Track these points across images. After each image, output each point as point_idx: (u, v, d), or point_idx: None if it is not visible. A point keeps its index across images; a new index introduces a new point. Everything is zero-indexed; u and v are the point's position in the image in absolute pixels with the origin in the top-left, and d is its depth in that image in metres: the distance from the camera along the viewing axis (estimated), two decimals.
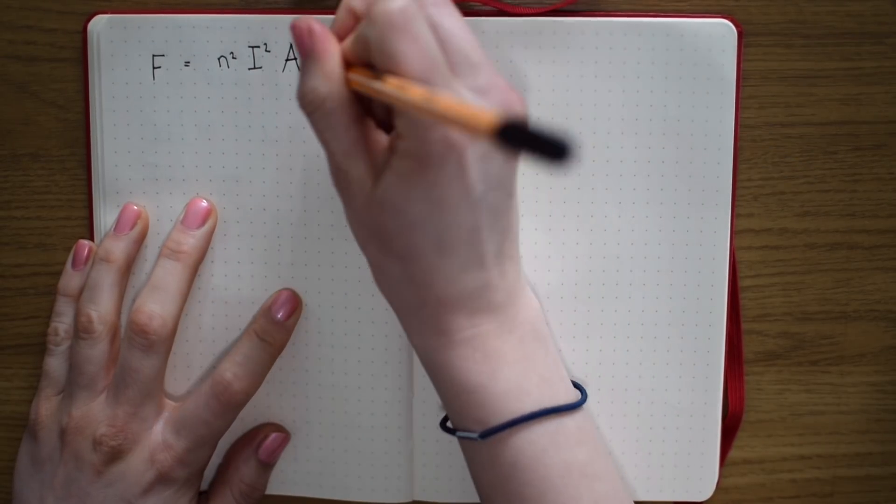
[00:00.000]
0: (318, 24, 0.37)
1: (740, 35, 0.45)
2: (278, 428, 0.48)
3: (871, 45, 0.47)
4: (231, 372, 0.45)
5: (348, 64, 0.37)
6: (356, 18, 0.38)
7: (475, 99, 0.36)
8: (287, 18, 0.45)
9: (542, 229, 0.47)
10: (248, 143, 0.46)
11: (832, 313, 0.49)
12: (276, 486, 0.49)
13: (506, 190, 0.38)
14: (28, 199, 0.48)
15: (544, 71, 0.46)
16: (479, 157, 0.36)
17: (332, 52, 0.37)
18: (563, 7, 0.46)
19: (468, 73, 0.36)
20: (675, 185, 0.46)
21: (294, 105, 0.46)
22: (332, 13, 0.45)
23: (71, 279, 0.47)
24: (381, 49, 0.35)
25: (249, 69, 0.46)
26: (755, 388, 0.49)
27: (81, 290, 0.46)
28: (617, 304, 0.47)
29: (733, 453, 0.49)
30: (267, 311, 0.46)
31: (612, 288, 0.47)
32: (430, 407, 0.48)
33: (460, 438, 0.41)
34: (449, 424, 0.42)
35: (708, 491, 0.48)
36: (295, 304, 0.47)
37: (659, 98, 0.46)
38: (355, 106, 0.37)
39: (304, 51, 0.37)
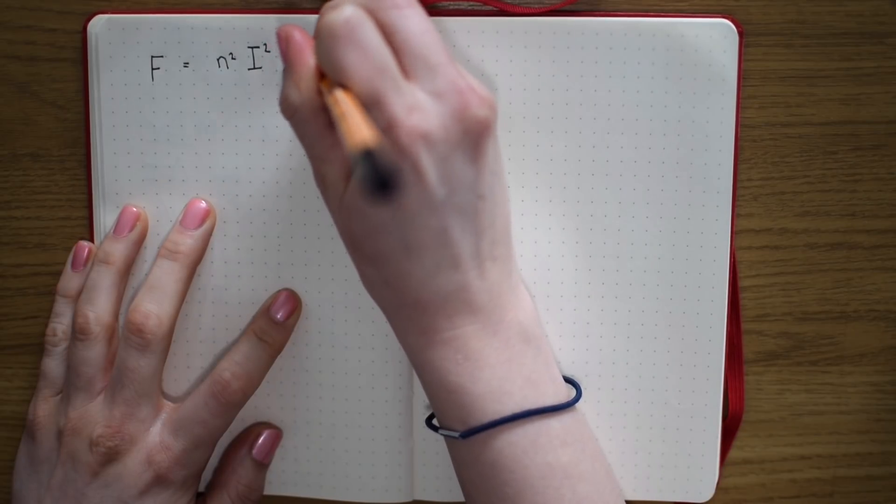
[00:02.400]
0: (299, 32, 0.38)
1: (740, 35, 0.45)
2: (270, 425, 0.48)
3: (871, 45, 0.47)
4: (230, 371, 0.45)
5: (324, 74, 0.38)
6: None
7: (430, 102, 0.36)
8: (287, 19, 0.45)
9: (542, 229, 0.47)
10: (247, 144, 0.46)
11: (832, 313, 0.49)
12: (275, 487, 0.49)
13: (474, 191, 0.38)
14: (28, 199, 0.48)
15: (544, 71, 0.45)
16: (437, 161, 0.36)
17: (305, 63, 0.38)
18: (563, 7, 0.46)
19: (425, 77, 0.36)
20: (675, 185, 0.46)
21: None
22: None
23: (70, 280, 0.47)
24: (327, 61, 0.36)
25: (249, 69, 0.46)
26: (755, 388, 0.49)
27: (80, 292, 0.46)
28: (617, 304, 0.47)
29: (733, 453, 0.49)
30: (266, 312, 0.46)
31: (611, 287, 0.47)
32: (429, 407, 0.48)
33: (444, 436, 0.41)
34: (434, 422, 0.42)
35: (708, 491, 0.48)
36: (294, 304, 0.47)
37: (659, 98, 0.46)
38: (328, 114, 0.38)
39: (283, 59, 0.38)
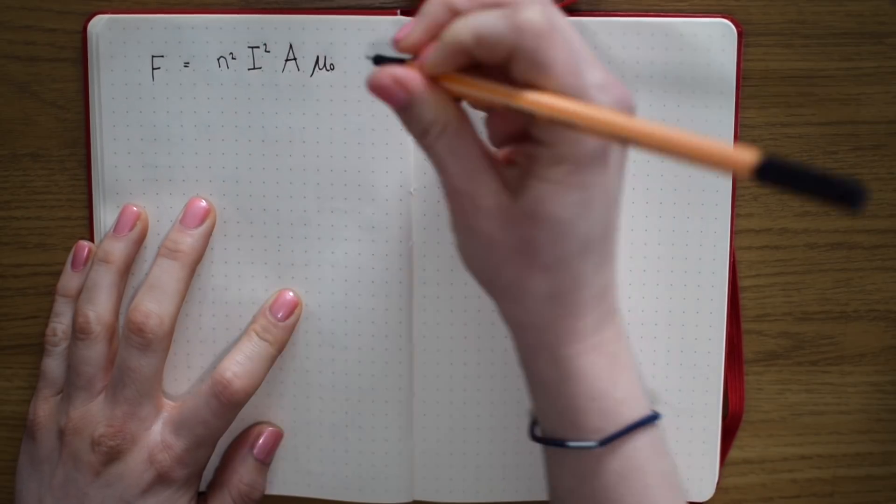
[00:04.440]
0: (398, 69, 0.35)
1: (740, 35, 0.45)
2: (271, 425, 0.48)
3: (871, 45, 0.47)
4: (231, 371, 0.45)
5: (432, 77, 0.35)
6: (454, 14, 0.35)
7: (599, 95, 0.34)
8: (287, 18, 0.45)
9: None
10: (247, 144, 0.46)
11: (832, 313, 0.49)
12: (276, 487, 0.49)
13: (623, 180, 0.37)
14: (28, 199, 0.48)
15: None
16: (618, 152, 0.36)
17: (427, 84, 0.35)
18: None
19: (588, 70, 0.35)
20: (675, 185, 0.46)
21: (293, 105, 0.46)
22: (333, 12, 0.45)
23: (70, 280, 0.47)
24: (531, 59, 0.33)
25: (249, 69, 0.46)
26: (755, 388, 0.49)
27: (80, 291, 0.46)
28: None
29: (733, 453, 0.49)
30: (267, 311, 0.46)
31: None
32: (430, 407, 0.48)
33: (565, 448, 0.38)
34: (537, 433, 0.40)
35: (708, 491, 0.48)
36: (295, 304, 0.47)
37: (659, 98, 0.46)
38: (472, 123, 0.36)
39: (400, 101, 0.35)
